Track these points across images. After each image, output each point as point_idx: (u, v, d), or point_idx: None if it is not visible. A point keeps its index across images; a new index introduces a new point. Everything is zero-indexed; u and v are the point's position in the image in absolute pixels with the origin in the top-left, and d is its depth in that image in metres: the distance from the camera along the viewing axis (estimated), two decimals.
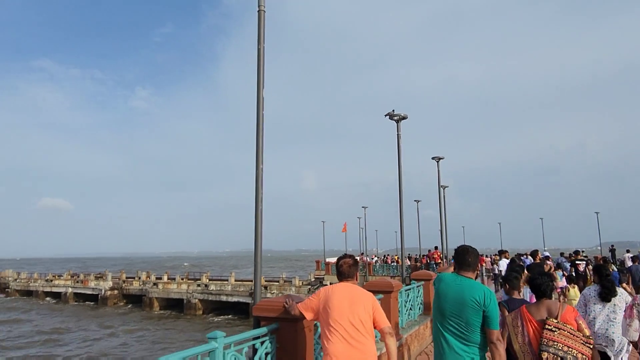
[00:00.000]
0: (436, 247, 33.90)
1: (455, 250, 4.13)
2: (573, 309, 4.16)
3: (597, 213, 51.32)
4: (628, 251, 29.84)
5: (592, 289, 5.73)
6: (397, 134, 13.34)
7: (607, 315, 5.44)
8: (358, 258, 45.73)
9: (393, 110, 13.40)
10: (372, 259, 50.09)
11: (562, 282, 14.96)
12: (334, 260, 44.16)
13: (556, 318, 4.02)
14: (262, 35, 6.16)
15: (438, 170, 18.04)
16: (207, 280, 46.75)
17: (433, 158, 18.24)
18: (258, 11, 6.24)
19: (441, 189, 23.53)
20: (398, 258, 45.51)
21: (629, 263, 23.95)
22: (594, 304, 5.57)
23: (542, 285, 4.31)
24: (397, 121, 13.30)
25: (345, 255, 4.35)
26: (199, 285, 46.05)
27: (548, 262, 13.85)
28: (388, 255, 55.00)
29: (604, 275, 5.68)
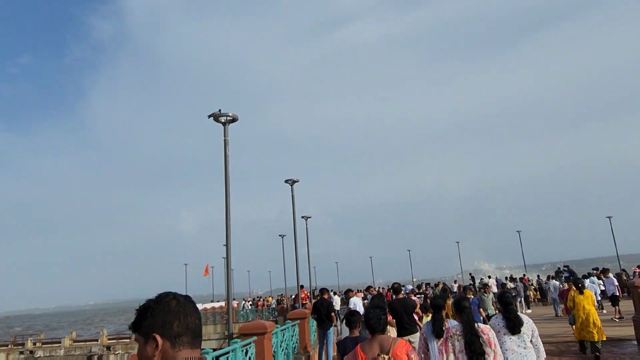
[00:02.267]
0: (302, 286, 30.87)
1: None
2: (405, 343, 4.20)
3: (457, 242, 53.57)
4: (490, 277, 30.09)
5: (499, 319, 5.61)
6: (224, 139, 10.26)
7: (519, 346, 5.36)
8: (223, 303, 41.14)
9: (219, 110, 10.21)
10: (248, 302, 45.63)
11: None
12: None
13: (387, 353, 4.08)
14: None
15: (292, 196, 15.17)
16: (32, 345, 37.82)
17: (286, 181, 15.34)
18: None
19: (303, 220, 21.78)
20: (268, 301, 41.74)
21: (494, 289, 23.71)
22: (504, 334, 5.46)
23: (371, 320, 4.29)
24: (224, 124, 10.35)
25: None
26: (21, 352, 37.02)
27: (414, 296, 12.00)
28: (259, 298, 50.68)
29: (507, 305, 5.56)
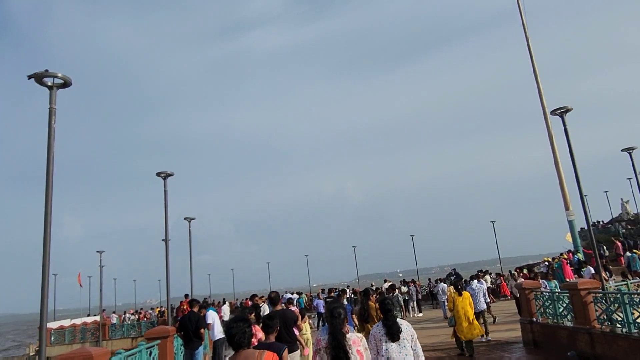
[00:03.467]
0: (186, 295, 27.97)
1: None
2: (273, 355, 3.98)
3: (354, 247, 53.71)
4: (385, 281, 29.76)
5: (380, 327, 5.41)
6: (165, 190, 14.15)
7: (400, 352, 5.18)
8: (97, 318, 36.35)
9: (46, 70, 7.78)
10: (130, 314, 40.89)
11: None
12: (55, 325, 33.74)
13: None
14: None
15: (165, 191, 14.27)
16: None
17: (158, 174, 13.96)
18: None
19: (186, 222, 19.58)
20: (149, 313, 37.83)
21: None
22: (385, 342, 5.25)
23: (235, 336, 3.91)
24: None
25: None
26: None
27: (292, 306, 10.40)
28: (141, 310, 46.02)
29: (386, 313, 5.43)
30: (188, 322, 10.38)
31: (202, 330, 10.51)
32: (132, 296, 75.81)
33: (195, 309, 10.80)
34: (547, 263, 29.51)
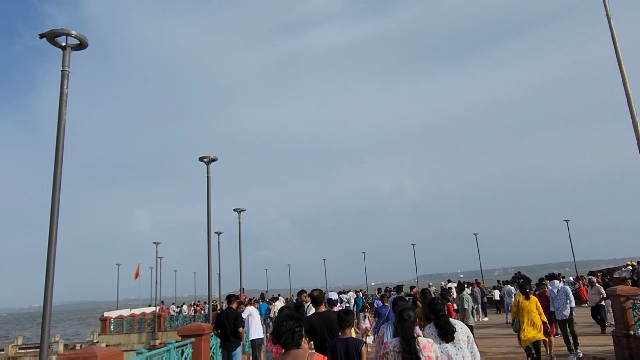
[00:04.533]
0: (242, 289, 27.48)
1: None
2: (323, 358, 3.86)
3: (413, 245, 51.64)
4: (449, 281, 27.77)
5: (432, 328, 5.24)
6: (207, 176, 13.91)
7: (457, 354, 4.98)
8: (157, 308, 36.98)
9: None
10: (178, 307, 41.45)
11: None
12: (114, 314, 34.56)
13: None
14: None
15: (208, 177, 12.72)
16: None
17: (201, 159, 12.84)
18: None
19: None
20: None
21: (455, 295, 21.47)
22: (440, 344, 5.03)
23: (282, 335, 3.77)
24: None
25: None
26: None
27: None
28: (198, 302, 46.63)
29: (437, 312, 5.26)
30: (225, 319, 9.32)
31: (240, 329, 9.44)
32: (193, 288, 77.90)
33: (234, 306, 9.71)
34: (630, 267, 26.23)
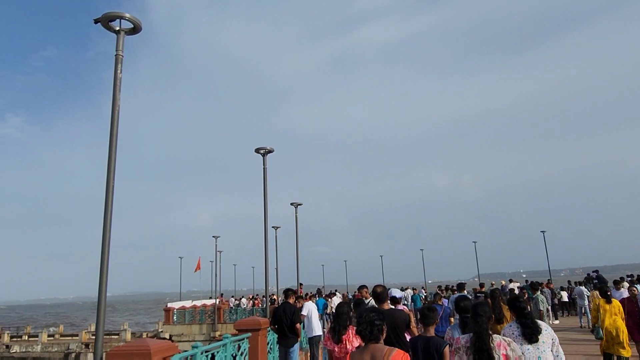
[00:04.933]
0: (300, 284, 27.37)
1: None
2: (403, 354, 3.62)
3: (475, 242, 49.63)
4: (511, 280, 26.29)
5: (513, 327, 4.96)
6: (264, 167, 13.76)
7: (539, 358, 4.68)
8: (217, 301, 37.83)
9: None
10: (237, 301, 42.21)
11: None
12: (177, 305, 35.63)
13: None
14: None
15: (264, 168, 12.33)
16: (9, 339, 35.11)
17: (257, 150, 12.50)
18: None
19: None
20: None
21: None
22: (521, 344, 4.73)
23: (360, 326, 3.68)
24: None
25: None
26: None
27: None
28: (256, 296, 47.29)
29: (522, 310, 4.97)
30: (282, 314, 8.99)
31: (298, 325, 9.08)
32: (251, 282, 79.50)
33: (291, 300, 9.38)
34: None
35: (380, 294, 6.50)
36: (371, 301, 11.70)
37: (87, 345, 32.11)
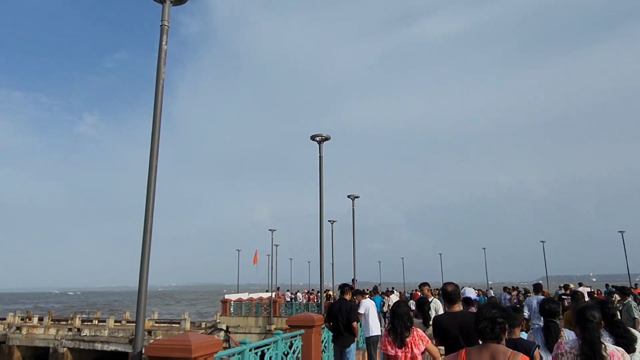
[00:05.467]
0: (354, 280, 26.61)
1: None
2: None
3: (543, 242, 46.67)
4: (580, 284, 24.22)
5: (603, 337, 4.22)
6: (320, 155, 13.24)
7: None
8: (274, 294, 37.97)
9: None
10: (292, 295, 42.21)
11: None
12: (234, 297, 36.04)
13: None
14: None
15: (320, 156, 11.81)
16: (80, 323, 37.09)
17: (313, 137, 11.91)
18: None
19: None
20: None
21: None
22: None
23: (480, 323, 3.45)
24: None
25: None
26: (70, 329, 36.42)
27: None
28: (312, 290, 47.10)
29: (613, 317, 4.59)
30: (338, 312, 8.27)
31: (354, 324, 8.34)
32: (307, 277, 79.82)
33: (348, 297, 8.65)
34: None
35: (452, 293, 5.61)
36: (434, 301, 10.75)
37: (149, 332, 33.16)
